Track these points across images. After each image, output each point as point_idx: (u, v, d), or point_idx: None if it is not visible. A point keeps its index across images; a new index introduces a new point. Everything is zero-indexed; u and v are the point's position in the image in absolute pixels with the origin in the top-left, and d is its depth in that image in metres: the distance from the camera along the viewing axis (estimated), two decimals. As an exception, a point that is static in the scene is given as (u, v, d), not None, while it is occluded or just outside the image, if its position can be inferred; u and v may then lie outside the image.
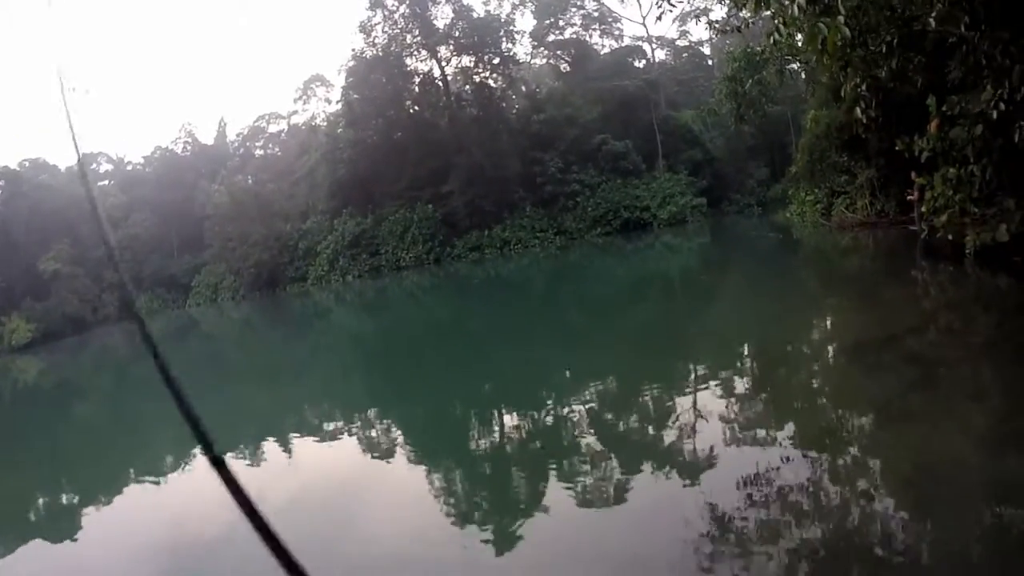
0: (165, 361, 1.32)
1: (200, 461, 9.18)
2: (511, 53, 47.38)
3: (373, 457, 8.03)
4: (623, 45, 54.89)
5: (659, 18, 55.09)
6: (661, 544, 4.31)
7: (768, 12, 9.00)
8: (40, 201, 53.15)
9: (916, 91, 11.91)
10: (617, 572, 4.05)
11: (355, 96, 47.00)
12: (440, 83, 47.65)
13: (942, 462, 4.73)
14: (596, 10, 53.17)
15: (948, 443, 5.03)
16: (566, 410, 8.38)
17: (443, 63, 47.31)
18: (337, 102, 52.25)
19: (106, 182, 63.29)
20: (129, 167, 63.49)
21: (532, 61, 53.85)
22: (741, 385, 8.07)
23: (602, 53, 53.94)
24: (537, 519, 5.18)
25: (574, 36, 53.35)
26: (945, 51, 10.84)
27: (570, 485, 5.65)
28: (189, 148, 62.02)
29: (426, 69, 47.67)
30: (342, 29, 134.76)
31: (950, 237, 11.31)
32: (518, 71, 48.82)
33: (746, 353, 9.98)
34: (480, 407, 9.49)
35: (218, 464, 1.29)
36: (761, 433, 6.03)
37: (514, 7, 49.41)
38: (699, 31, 59.99)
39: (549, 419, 8.19)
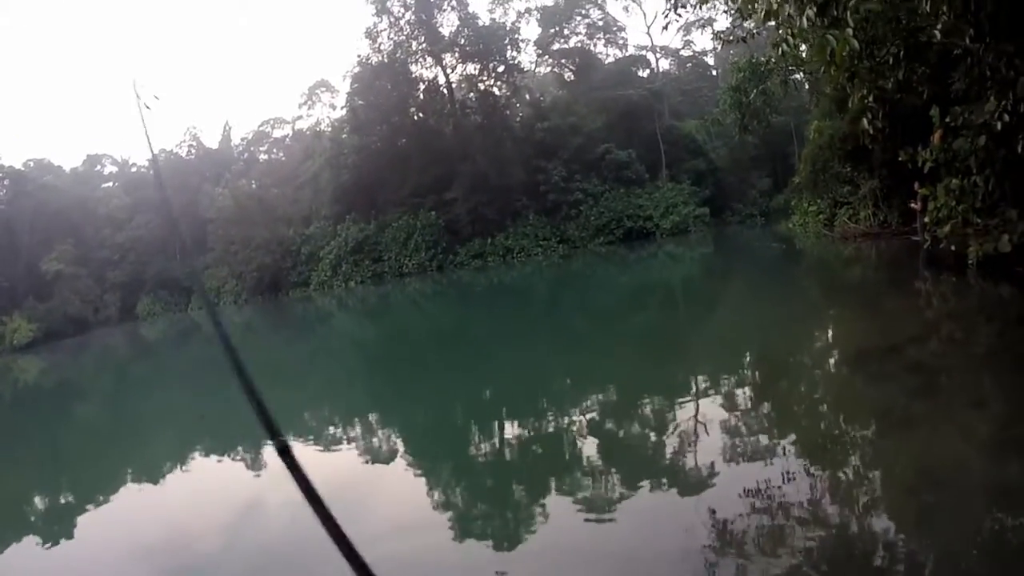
0: (236, 355, 1.35)
1: (199, 462, 9.23)
2: (516, 61, 47.64)
3: (373, 463, 7.98)
4: (627, 55, 55.21)
5: (665, 28, 55.57)
6: (663, 552, 4.29)
7: (773, 23, 9.06)
8: (44, 201, 53.37)
9: (921, 102, 11.98)
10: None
11: (360, 102, 47.23)
12: (445, 90, 47.86)
13: (944, 468, 4.73)
14: (600, 19, 53.51)
15: (950, 449, 5.04)
16: (568, 418, 8.36)
17: (448, 70, 47.59)
18: (342, 108, 52.57)
19: (110, 184, 63.58)
20: (133, 169, 63.65)
21: (536, 70, 54.15)
22: (743, 393, 8.06)
23: (606, 62, 54.28)
24: (538, 526, 5.18)
25: (578, 45, 53.66)
26: (949, 63, 10.92)
27: (571, 493, 5.64)
28: (193, 151, 62.27)
29: (431, 76, 47.97)
30: (348, 35, 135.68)
31: (953, 247, 11.33)
32: (522, 79, 49.01)
33: (749, 362, 9.98)
34: (481, 415, 9.48)
35: (284, 451, 1.32)
36: (764, 440, 6.03)
37: (519, 15, 49.88)
38: (703, 41, 60.43)
39: (551, 427, 8.16)
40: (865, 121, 11.16)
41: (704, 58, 60.66)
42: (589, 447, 6.95)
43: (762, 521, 4.30)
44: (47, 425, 15.83)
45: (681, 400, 8.19)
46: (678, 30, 55.90)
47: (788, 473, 4.90)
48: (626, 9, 79.55)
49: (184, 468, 9.10)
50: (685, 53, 60.00)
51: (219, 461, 9.27)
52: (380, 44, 46.32)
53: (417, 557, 4.83)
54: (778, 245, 27.51)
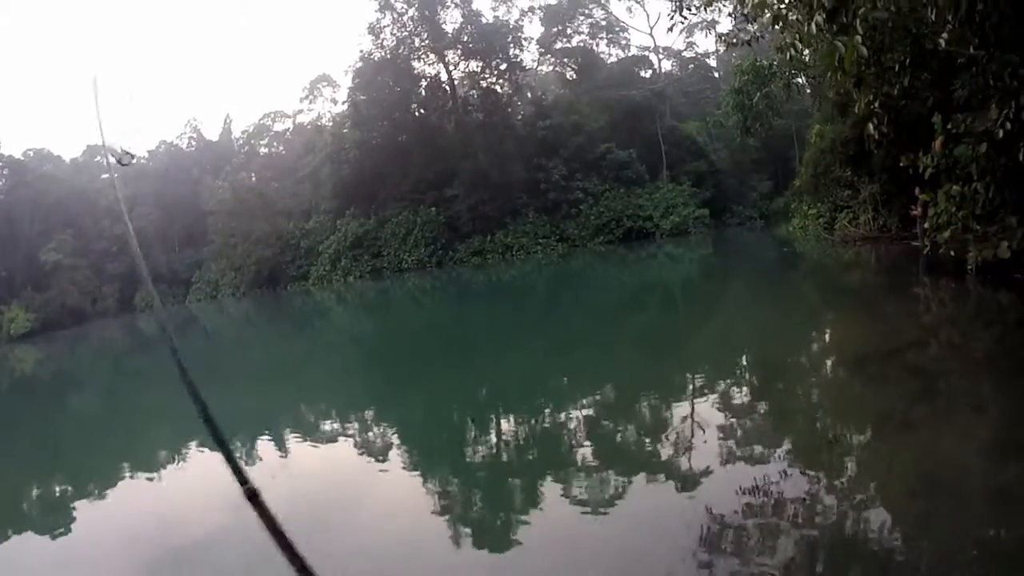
0: (203, 403, 1.31)
1: (196, 454, 9.20)
2: (518, 59, 47.71)
3: (369, 459, 7.92)
4: (630, 55, 55.32)
5: (670, 29, 55.60)
6: (661, 552, 4.30)
7: (778, 26, 9.10)
8: (43, 192, 53.29)
9: (924, 109, 12.05)
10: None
11: (362, 97, 47.23)
12: (447, 87, 47.87)
13: (943, 471, 4.77)
14: (604, 19, 53.62)
15: (949, 453, 5.08)
16: (565, 416, 8.35)
17: (451, 67, 47.62)
18: (343, 103, 52.68)
19: (109, 175, 63.27)
20: (134, 160, 63.38)
21: (539, 68, 54.25)
22: (742, 395, 8.08)
23: (609, 62, 54.37)
24: (535, 523, 5.17)
25: (581, 44, 53.73)
26: (952, 71, 10.99)
27: (568, 491, 5.63)
28: (194, 144, 62.23)
29: (433, 73, 48.05)
30: (350, 30, 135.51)
31: (952, 253, 11.39)
32: (525, 77, 49.09)
33: (748, 364, 10.01)
34: (479, 411, 9.42)
35: (253, 497, 1.29)
36: (762, 442, 6.03)
37: (522, 14, 49.90)
38: (706, 43, 60.44)
39: (548, 424, 8.15)
40: (871, 126, 11.20)
41: (706, 60, 60.77)
42: (586, 444, 6.95)
43: (760, 521, 4.32)
44: (43, 415, 15.80)
45: (679, 400, 8.22)
46: (681, 31, 55.86)
47: (786, 474, 4.92)
48: (629, 10, 79.75)
49: (179, 459, 9.06)
50: (688, 55, 60.11)
51: (214, 452, 9.20)
52: (383, 40, 46.39)
53: (412, 552, 4.85)
54: (778, 248, 27.58)
